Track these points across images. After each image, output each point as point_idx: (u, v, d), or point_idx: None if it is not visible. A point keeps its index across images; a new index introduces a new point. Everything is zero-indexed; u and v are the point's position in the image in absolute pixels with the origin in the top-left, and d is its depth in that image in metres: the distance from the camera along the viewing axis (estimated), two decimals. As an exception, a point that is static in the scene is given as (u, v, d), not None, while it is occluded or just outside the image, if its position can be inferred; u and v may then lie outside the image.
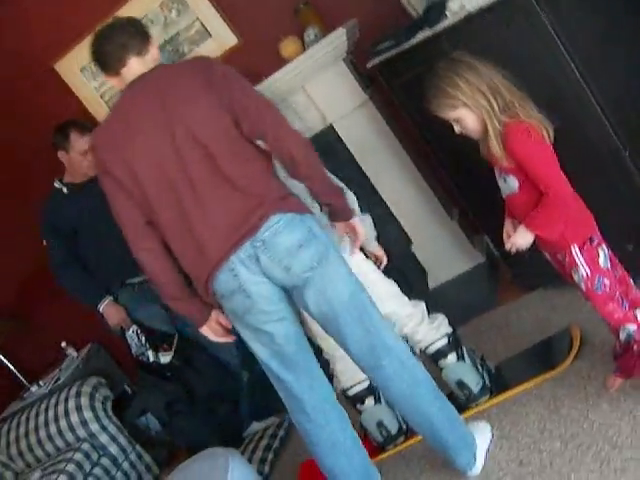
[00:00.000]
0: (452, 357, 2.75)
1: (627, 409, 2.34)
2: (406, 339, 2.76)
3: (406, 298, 2.78)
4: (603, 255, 2.24)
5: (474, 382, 2.76)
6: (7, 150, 4.17)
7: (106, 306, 3.48)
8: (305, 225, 2.26)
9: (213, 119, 2.23)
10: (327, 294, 2.28)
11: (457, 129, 2.26)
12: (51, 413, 3.99)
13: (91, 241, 3.48)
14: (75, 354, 4.46)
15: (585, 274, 2.21)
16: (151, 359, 3.44)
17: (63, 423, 3.90)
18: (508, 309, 3.31)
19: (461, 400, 2.77)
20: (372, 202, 3.31)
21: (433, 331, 2.76)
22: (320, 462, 2.52)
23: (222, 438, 3.37)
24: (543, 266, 2.58)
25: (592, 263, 2.21)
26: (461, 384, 2.75)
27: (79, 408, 3.89)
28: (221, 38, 3.68)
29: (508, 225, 2.36)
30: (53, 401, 4.04)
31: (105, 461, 3.87)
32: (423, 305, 2.81)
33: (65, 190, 3.52)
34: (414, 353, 2.65)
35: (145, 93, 2.27)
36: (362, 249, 2.71)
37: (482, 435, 2.56)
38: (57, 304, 4.40)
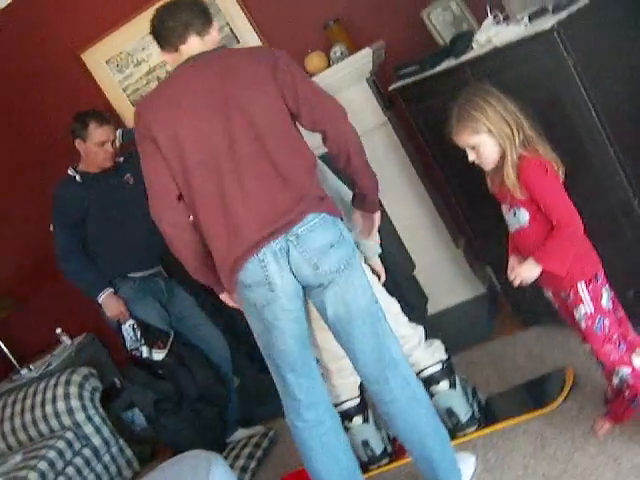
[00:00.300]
0: (444, 384, 2.76)
1: (613, 455, 2.35)
2: None
3: (406, 319, 2.79)
4: (606, 295, 2.25)
5: (463, 411, 2.77)
6: (25, 133, 4.21)
7: (106, 297, 3.48)
8: (337, 227, 2.31)
9: (272, 108, 2.25)
10: (347, 298, 2.31)
11: (472, 157, 2.27)
12: (39, 398, 4.00)
13: (98, 232, 3.50)
14: (69, 342, 4.48)
15: (588, 312, 2.22)
16: (144, 355, 3.44)
17: (49, 409, 3.91)
18: (504, 342, 3.31)
19: (449, 428, 2.76)
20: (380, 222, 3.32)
21: (428, 356, 2.77)
22: (308, 464, 2.52)
23: (206, 441, 3.37)
24: (542, 303, 2.60)
25: (596, 302, 2.22)
26: (450, 412, 2.76)
27: (67, 396, 3.90)
28: (248, 45, 3.71)
29: (513, 260, 2.36)
30: (42, 386, 4.05)
31: (87, 452, 3.87)
32: (422, 329, 2.82)
33: (78, 178, 3.53)
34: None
35: (205, 70, 2.27)
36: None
37: (466, 465, 2.57)
38: (56, 290, 4.43)
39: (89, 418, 3.93)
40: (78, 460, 3.80)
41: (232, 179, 2.24)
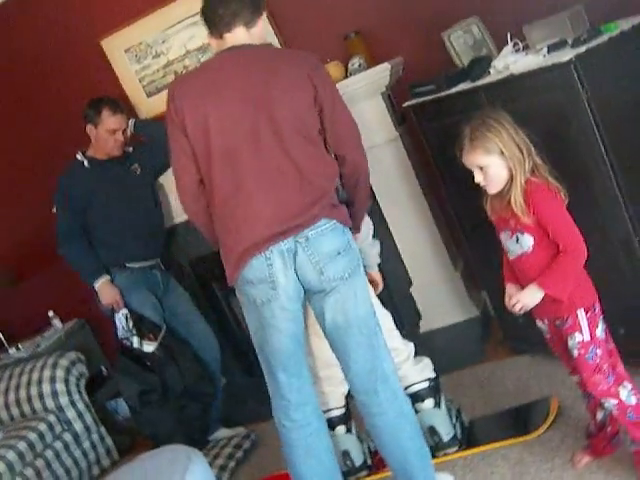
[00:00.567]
0: (429, 402, 2.77)
1: (590, 488, 2.36)
2: None
3: (398, 332, 2.81)
4: (601, 325, 2.27)
5: (445, 431, 2.78)
6: (37, 115, 4.22)
7: (102, 284, 3.49)
8: (346, 236, 2.35)
9: (302, 114, 2.28)
10: (346, 306, 2.33)
11: (479, 178, 2.27)
12: (24, 378, 4.00)
13: (101, 219, 3.52)
14: (60, 325, 4.48)
15: (583, 340, 2.23)
16: (135, 345, 3.44)
17: (34, 390, 3.92)
18: (493, 367, 3.33)
19: (430, 446, 2.77)
20: (381, 235, 3.34)
21: (416, 372, 2.78)
22: (291, 464, 2.53)
23: (187, 437, 3.37)
24: (534, 333, 2.61)
25: (592, 330, 2.24)
26: (433, 430, 2.77)
27: (53, 379, 3.91)
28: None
29: (511, 289, 2.37)
30: (29, 367, 4.06)
31: (67, 436, 3.88)
32: (412, 345, 2.83)
33: (86, 163, 3.56)
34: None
35: (244, 63, 2.30)
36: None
37: None
38: (52, 273, 4.44)
39: (73, 403, 3.93)
40: (58, 444, 3.81)
41: (251, 174, 2.27)
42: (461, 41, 3.18)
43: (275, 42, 3.70)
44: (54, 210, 3.71)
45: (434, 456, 2.77)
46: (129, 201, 3.57)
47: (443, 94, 2.98)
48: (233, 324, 4.18)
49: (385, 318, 2.75)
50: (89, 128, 3.55)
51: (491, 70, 2.83)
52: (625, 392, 2.24)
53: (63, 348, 4.20)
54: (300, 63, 2.32)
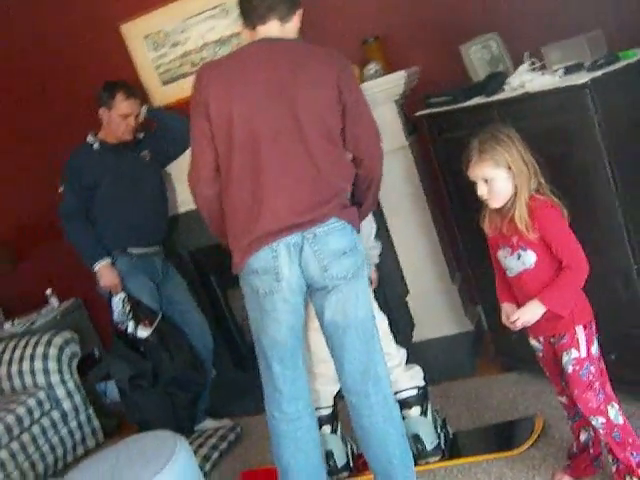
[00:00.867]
0: (416, 410, 2.79)
1: (567, 508, 2.38)
2: None
3: (392, 337, 2.83)
4: (597, 343, 2.28)
5: (429, 440, 2.80)
6: (49, 94, 4.23)
7: (102, 267, 3.50)
8: (354, 237, 2.38)
9: (325, 113, 2.30)
10: (347, 306, 2.36)
11: (482, 190, 2.28)
12: (17, 353, 4.03)
13: (106, 202, 3.54)
14: (56, 304, 4.51)
15: (578, 356, 2.24)
16: (130, 330, 3.46)
17: (26, 366, 3.94)
18: (482, 382, 3.34)
19: (413, 453, 2.79)
20: (382, 241, 3.35)
21: (406, 379, 2.80)
22: (278, 456, 2.55)
23: (174, 424, 3.39)
24: (525, 351, 2.63)
25: (588, 347, 2.25)
26: (417, 438, 2.79)
27: (46, 356, 3.93)
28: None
29: (508, 307, 2.38)
30: (23, 343, 4.09)
31: (55, 414, 3.90)
32: (404, 351, 2.86)
33: (96, 146, 3.58)
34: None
35: (274, 56, 2.32)
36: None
37: None
38: (52, 251, 4.47)
39: (63, 382, 3.95)
40: (45, 421, 3.83)
41: (268, 167, 2.29)
42: (479, 55, 3.20)
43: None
44: (60, 189, 3.73)
45: (416, 464, 2.78)
46: (136, 187, 3.59)
47: (456, 106, 3.00)
48: (228, 317, 4.20)
49: (381, 322, 2.77)
50: (102, 111, 3.57)
51: (506, 87, 2.85)
52: (613, 411, 2.26)
53: (58, 326, 4.22)
54: (328, 62, 2.34)
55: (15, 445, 3.60)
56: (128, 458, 2.70)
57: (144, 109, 3.66)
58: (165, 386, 3.52)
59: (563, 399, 2.42)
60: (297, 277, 2.33)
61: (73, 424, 3.97)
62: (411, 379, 2.82)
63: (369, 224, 2.76)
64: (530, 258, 2.27)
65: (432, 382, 3.02)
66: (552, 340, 2.31)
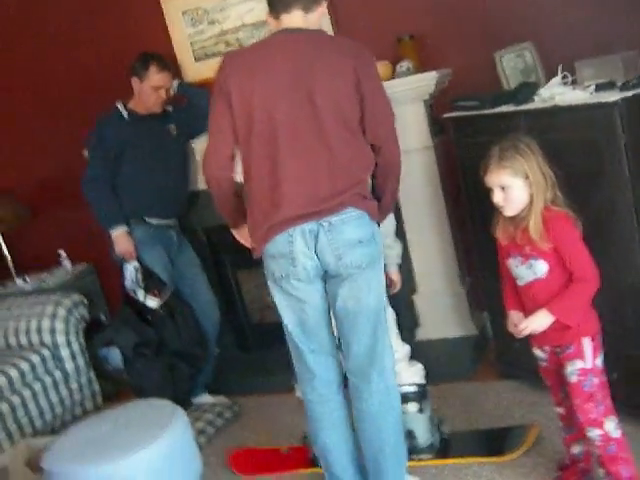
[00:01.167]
0: (413, 406, 2.83)
1: (552, 518, 2.41)
2: None
3: (397, 332, 2.86)
4: (601, 355, 2.31)
5: (424, 437, 2.84)
6: (83, 59, 4.28)
7: (119, 233, 3.54)
8: (371, 227, 2.41)
9: (343, 102, 2.33)
10: (360, 294, 2.40)
11: (498, 197, 2.31)
12: (26, 310, 4.08)
13: (130, 170, 3.58)
14: (69, 266, 4.56)
15: (583, 367, 2.27)
16: (139, 298, 3.51)
17: (34, 323, 4.00)
18: (480, 387, 3.37)
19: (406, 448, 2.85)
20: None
21: (407, 375, 2.84)
22: (316, 437, 2.60)
23: (172, 395, 3.42)
24: (526, 361, 2.67)
25: (593, 359, 2.28)
26: (411, 434, 2.82)
27: (54, 316, 3.99)
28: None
29: (515, 315, 2.41)
30: (32, 300, 4.15)
31: (58, 374, 3.95)
32: (408, 348, 2.89)
33: (125, 115, 3.62)
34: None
35: (295, 46, 2.36)
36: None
37: None
38: (69, 213, 4.54)
39: (69, 343, 4.01)
40: (47, 379, 3.89)
41: (286, 155, 2.33)
42: (512, 64, 3.21)
43: (330, 32, 3.75)
44: (84, 153, 3.77)
45: (408, 459, 2.82)
46: (160, 158, 3.63)
47: (485, 112, 3.02)
48: (237, 297, 4.24)
49: (389, 316, 2.81)
50: (134, 81, 3.61)
51: (536, 97, 2.87)
52: (612, 425, 2.29)
53: (69, 289, 4.28)
54: (347, 52, 2.37)
55: (16, 399, 3.66)
56: (127, 422, 2.77)
57: (175, 83, 3.70)
58: (168, 357, 3.57)
59: (560, 410, 2.45)
60: (313, 263, 2.37)
61: (74, 385, 4.02)
62: (412, 375, 2.85)
63: (389, 222, 2.78)
64: (542, 268, 2.29)
65: (431, 382, 3.03)
66: (557, 350, 2.34)
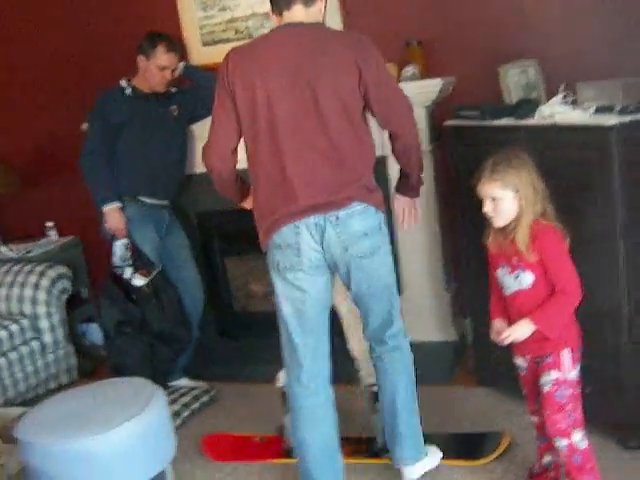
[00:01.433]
0: (389, 405, 2.87)
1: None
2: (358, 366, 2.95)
3: None
4: (578, 368, 2.37)
5: (398, 436, 2.87)
6: (89, 35, 4.25)
7: (112, 209, 3.54)
8: (377, 219, 2.48)
9: (345, 95, 2.37)
10: (372, 277, 2.50)
11: (488, 208, 2.37)
12: (9, 278, 4.09)
13: (128, 147, 3.59)
14: (55, 238, 4.55)
15: (558, 378, 2.33)
16: (127, 276, 3.52)
17: (16, 292, 4.01)
18: (457, 392, 3.42)
19: (379, 444, 2.90)
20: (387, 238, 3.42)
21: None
22: (294, 428, 2.62)
23: (151, 375, 3.43)
24: (504, 370, 2.71)
25: (570, 371, 2.34)
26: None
27: (37, 286, 3.99)
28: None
29: (498, 323, 2.46)
30: (16, 269, 4.15)
31: (35, 344, 3.96)
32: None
33: (128, 91, 3.63)
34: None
35: (296, 40, 2.39)
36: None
37: (432, 455, 2.80)
38: (59, 185, 4.54)
39: (49, 315, 4.02)
40: (24, 349, 3.90)
41: (290, 149, 2.37)
42: (515, 79, 3.26)
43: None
44: (83, 127, 3.78)
45: (381, 456, 2.88)
46: (159, 138, 3.64)
47: (485, 123, 3.07)
48: (222, 284, 4.27)
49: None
50: (140, 59, 3.62)
51: (536, 114, 2.92)
52: (578, 436, 2.35)
53: (53, 260, 4.28)
54: (349, 45, 2.40)
55: (-9, 366, 3.66)
56: (105, 398, 2.78)
57: (182, 65, 3.71)
58: (150, 337, 3.59)
59: (535, 419, 2.51)
60: (316, 255, 2.43)
61: (50, 357, 4.03)
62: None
63: None
64: (527, 279, 2.35)
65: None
66: (537, 360, 2.39)
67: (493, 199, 2.35)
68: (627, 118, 2.60)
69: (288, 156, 2.38)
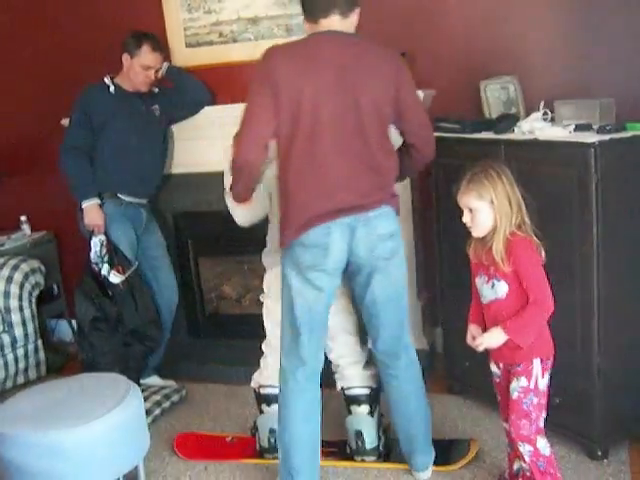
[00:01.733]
0: (364, 408, 2.91)
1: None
2: (335, 369, 2.98)
3: (357, 337, 2.98)
4: (547, 378, 2.43)
5: (370, 439, 2.90)
6: (70, 33, 4.24)
7: (91, 205, 3.52)
8: (397, 222, 2.59)
9: (381, 107, 2.46)
10: (391, 280, 2.59)
11: (466, 218, 2.44)
12: (-19, 271, 4.03)
13: (109, 144, 3.58)
14: (29, 232, 4.50)
15: (526, 386, 2.39)
16: (103, 272, 3.51)
17: (-13, 284, 3.95)
18: (428, 399, 3.45)
19: (351, 448, 2.93)
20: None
21: (362, 377, 2.93)
22: (283, 422, 2.63)
23: (123, 373, 3.43)
24: (474, 379, 2.76)
25: (538, 380, 2.40)
26: (359, 435, 2.90)
27: (9, 280, 3.96)
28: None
29: (475, 329, 2.53)
30: (-12, 261, 4.10)
31: (5, 337, 3.92)
32: (368, 352, 2.97)
33: (112, 89, 3.63)
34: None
35: (340, 46, 2.44)
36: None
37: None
38: (34, 179, 4.51)
39: (20, 309, 3.98)
40: (-5, 341, 3.86)
41: (330, 151, 2.43)
42: (496, 94, 3.35)
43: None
44: (63, 122, 3.77)
45: (353, 459, 2.92)
46: (140, 137, 3.64)
47: (465, 136, 3.13)
48: (195, 284, 4.27)
49: (352, 317, 2.91)
50: (125, 57, 3.63)
51: (516, 129, 3.00)
52: (542, 442, 2.42)
53: (26, 254, 4.24)
54: (389, 60, 2.51)
55: (-41, 359, 3.62)
56: (81, 392, 2.78)
57: (165, 65, 3.72)
58: (123, 335, 3.58)
59: (506, 426, 2.56)
60: (343, 255, 2.50)
61: (20, 352, 3.99)
62: (367, 379, 2.93)
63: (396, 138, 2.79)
64: (502, 289, 2.41)
65: (381, 389, 3.12)
66: (509, 367, 2.46)
67: (470, 210, 2.42)
68: (606, 137, 2.69)
69: (326, 156, 2.43)
